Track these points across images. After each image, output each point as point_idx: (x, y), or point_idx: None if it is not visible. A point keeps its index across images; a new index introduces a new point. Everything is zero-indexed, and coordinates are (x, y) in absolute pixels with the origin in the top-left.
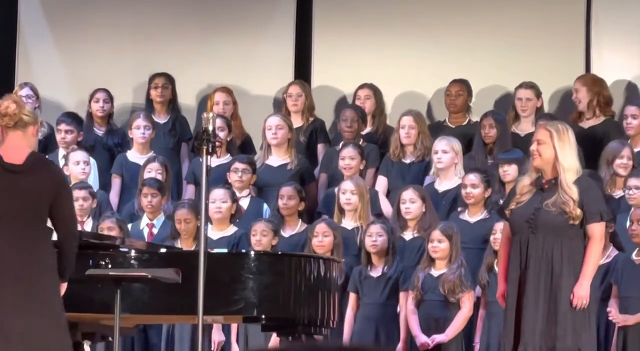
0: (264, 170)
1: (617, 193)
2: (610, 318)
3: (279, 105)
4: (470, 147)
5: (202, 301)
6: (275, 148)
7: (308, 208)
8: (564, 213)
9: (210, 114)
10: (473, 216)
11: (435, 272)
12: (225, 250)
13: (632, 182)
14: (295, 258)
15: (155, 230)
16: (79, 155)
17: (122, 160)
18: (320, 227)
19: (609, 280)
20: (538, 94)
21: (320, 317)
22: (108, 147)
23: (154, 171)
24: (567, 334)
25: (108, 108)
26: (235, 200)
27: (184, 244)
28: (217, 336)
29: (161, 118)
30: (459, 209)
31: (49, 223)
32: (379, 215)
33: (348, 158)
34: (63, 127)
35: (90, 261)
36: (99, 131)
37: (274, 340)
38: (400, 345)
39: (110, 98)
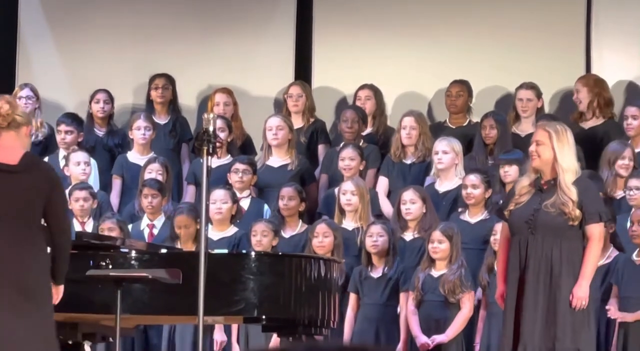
0: (264, 170)
1: (618, 194)
2: (609, 314)
3: (280, 106)
4: (470, 148)
5: (203, 302)
6: (276, 149)
7: (308, 209)
8: (563, 214)
9: (211, 115)
10: (473, 217)
11: (435, 273)
12: (225, 251)
13: (633, 182)
14: (296, 259)
15: (155, 231)
16: (80, 155)
17: (123, 161)
18: (321, 228)
19: (610, 281)
20: (538, 95)
21: (321, 318)
22: (108, 148)
23: (154, 172)
24: (566, 334)
25: (108, 109)
26: (235, 200)
27: (184, 246)
28: (219, 336)
29: (161, 119)
30: (460, 210)
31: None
32: (379, 215)
33: (348, 159)
34: (63, 127)
35: (91, 262)
36: (100, 132)
37: (275, 340)
38: (400, 346)
39: (110, 99)
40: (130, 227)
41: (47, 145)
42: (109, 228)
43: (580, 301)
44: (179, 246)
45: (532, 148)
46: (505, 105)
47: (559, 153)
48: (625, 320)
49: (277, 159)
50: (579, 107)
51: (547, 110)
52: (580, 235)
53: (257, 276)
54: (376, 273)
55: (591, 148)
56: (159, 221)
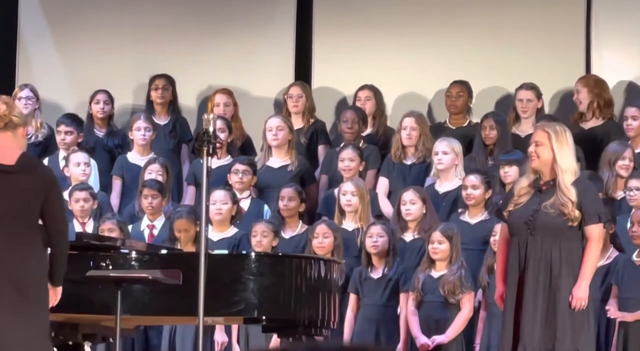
0: (264, 171)
1: (618, 195)
2: (608, 314)
3: (280, 107)
4: (470, 148)
5: (203, 303)
6: (276, 149)
7: (309, 210)
8: (562, 214)
9: (211, 115)
10: (473, 217)
11: (435, 273)
12: (225, 252)
13: (633, 183)
14: (296, 260)
15: (155, 231)
16: (80, 156)
17: (123, 162)
18: (321, 228)
19: (610, 281)
20: (538, 95)
21: (321, 318)
22: (108, 149)
23: (154, 172)
24: (566, 335)
25: (108, 110)
26: (235, 201)
27: (184, 248)
28: (220, 337)
29: (161, 120)
30: (460, 210)
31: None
32: (379, 216)
33: (347, 159)
34: (63, 128)
35: (91, 262)
36: (100, 132)
37: (275, 341)
38: (400, 346)
39: (110, 99)
40: (130, 227)
41: (46, 145)
42: (109, 229)
43: (580, 302)
44: (178, 247)
45: (531, 149)
46: (505, 106)
47: (558, 154)
48: (625, 320)
49: (277, 160)
50: (579, 108)
51: (547, 110)
52: (580, 235)
53: (257, 277)
54: (376, 274)
55: (591, 149)
56: (159, 222)
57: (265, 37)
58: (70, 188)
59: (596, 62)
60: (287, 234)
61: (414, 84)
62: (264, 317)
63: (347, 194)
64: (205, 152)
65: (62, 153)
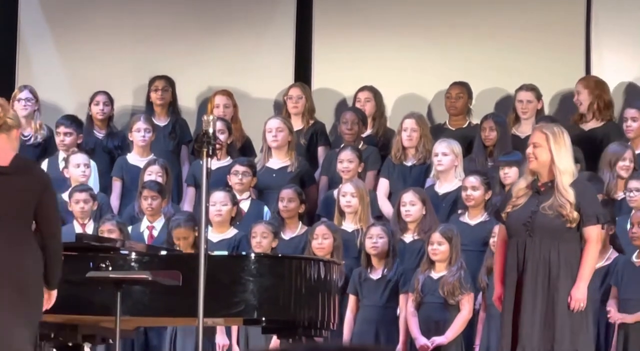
0: (264, 172)
1: (618, 196)
2: (608, 316)
3: (280, 108)
4: (470, 150)
5: (203, 304)
6: (276, 150)
7: (308, 211)
8: (560, 216)
9: (211, 117)
10: (473, 218)
11: (435, 274)
12: (225, 253)
13: (633, 184)
14: (296, 261)
15: (155, 233)
16: (80, 157)
17: (122, 163)
18: (320, 230)
19: (609, 282)
20: (538, 96)
21: (321, 319)
22: (108, 150)
23: (154, 174)
24: (565, 336)
25: (108, 111)
26: (235, 202)
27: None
28: (221, 339)
29: (161, 121)
30: (459, 211)
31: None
32: (379, 217)
33: (346, 161)
34: (62, 129)
35: (91, 263)
36: (99, 134)
37: (275, 342)
38: (399, 347)
39: (110, 101)
40: (130, 228)
41: (46, 147)
42: (108, 230)
43: (578, 303)
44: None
45: (529, 150)
46: (505, 107)
47: (556, 155)
48: (625, 321)
49: (277, 161)
50: (579, 109)
51: (547, 111)
52: (578, 237)
53: (257, 278)
54: (376, 275)
55: (591, 150)
56: (159, 223)
57: (265, 37)
58: (70, 189)
59: (596, 62)
60: (286, 235)
61: (414, 85)
62: (263, 318)
63: (347, 195)
64: (205, 153)
65: (61, 155)
